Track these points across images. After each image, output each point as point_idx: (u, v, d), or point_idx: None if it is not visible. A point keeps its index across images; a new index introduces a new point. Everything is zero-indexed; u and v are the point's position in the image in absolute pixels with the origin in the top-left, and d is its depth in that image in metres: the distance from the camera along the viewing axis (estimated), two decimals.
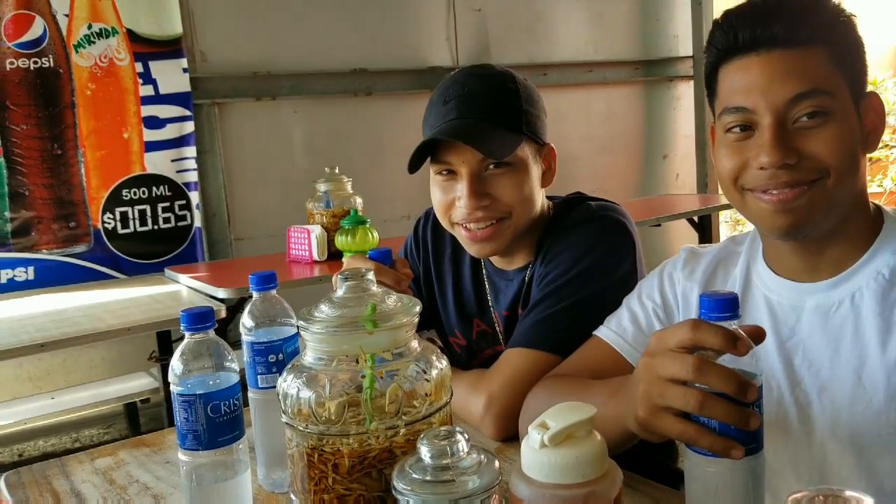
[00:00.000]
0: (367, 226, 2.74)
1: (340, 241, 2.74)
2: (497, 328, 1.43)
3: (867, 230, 0.99)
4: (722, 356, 0.73)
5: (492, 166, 1.26)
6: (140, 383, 3.02)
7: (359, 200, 2.97)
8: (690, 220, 3.93)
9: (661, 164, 4.99)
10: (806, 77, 0.91)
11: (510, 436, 1.18)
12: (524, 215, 1.31)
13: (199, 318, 0.85)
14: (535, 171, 1.32)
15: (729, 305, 0.73)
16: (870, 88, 1.01)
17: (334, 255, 2.83)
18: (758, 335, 0.76)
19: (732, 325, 0.73)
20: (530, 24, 4.44)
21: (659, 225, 4.21)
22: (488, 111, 1.27)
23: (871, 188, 6.06)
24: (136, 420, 3.12)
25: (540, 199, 1.35)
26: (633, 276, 1.29)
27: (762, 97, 0.93)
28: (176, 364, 0.86)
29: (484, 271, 1.45)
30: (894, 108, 6.15)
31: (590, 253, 1.27)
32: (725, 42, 0.96)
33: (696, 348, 0.74)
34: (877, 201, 1.04)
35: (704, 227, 3.90)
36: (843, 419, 0.96)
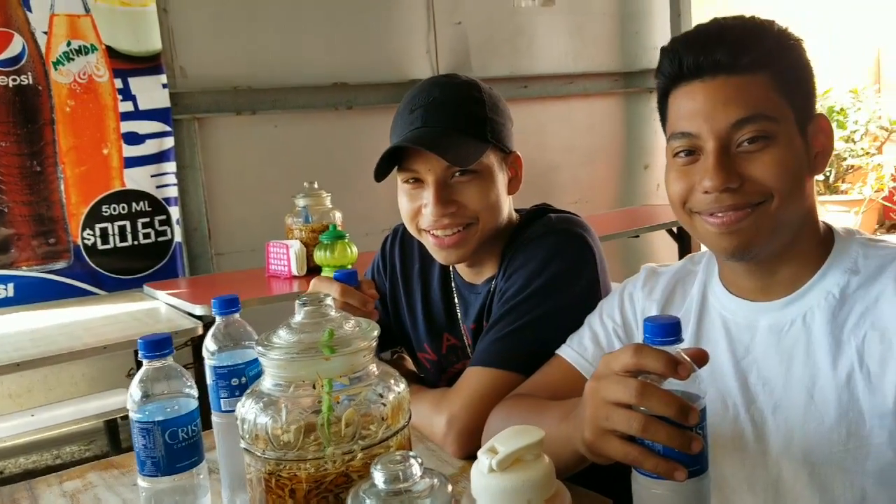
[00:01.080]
0: (346, 241, 2.75)
1: (319, 256, 2.75)
2: (466, 341, 1.44)
3: (818, 250, 1.01)
4: (666, 379, 0.75)
5: (457, 174, 1.28)
6: (120, 399, 3.01)
7: (338, 215, 2.98)
8: (670, 231, 3.96)
9: (642, 175, 5.03)
10: (748, 102, 0.94)
11: (472, 454, 1.18)
12: (491, 221, 1.32)
13: (156, 345, 0.86)
14: (501, 178, 1.34)
15: (671, 330, 0.75)
16: (819, 109, 1.03)
17: (313, 270, 2.83)
18: (700, 358, 0.77)
19: (676, 349, 0.75)
20: (511, 36, 4.47)
21: (637, 236, 4.24)
22: (453, 119, 1.29)
23: (851, 195, 6.12)
24: (116, 436, 3.10)
25: (507, 207, 1.37)
26: (595, 289, 1.30)
27: (706, 122, 0.95)
28: (134, 391, 0.87)
29: (453, 284, 1.46)
30: (875, 116, 6.24)
31: (547, 268, 1.28)
32: (672, 69, 0.99)
33: (641, 372, 0.75)
34: (826, 220, 1.06)
35: (683, 238, 3.92)
36: (797, 437, 0.98)
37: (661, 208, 4.46)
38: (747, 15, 1.00)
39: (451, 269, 1.46)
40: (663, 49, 1.01)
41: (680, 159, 0.99)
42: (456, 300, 1.45)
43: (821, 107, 5.81)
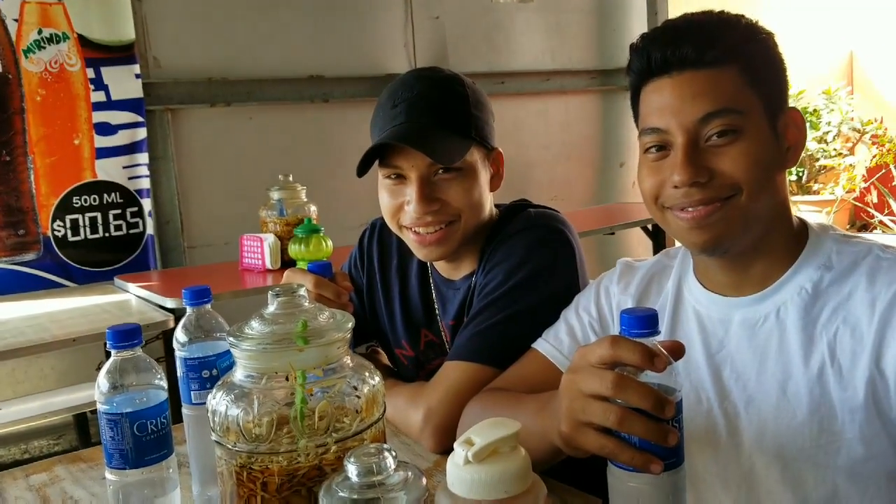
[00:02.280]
0: (321, 234, 2.74)
1: (294, 249, 2.73)
2: (444, 338, 1.43)
3: (791, 245, 1.02)
4: (643, 372, 0.75)
5: (441, 171, 1.27)
6: (89, 393, 2.96)
7: (313, 209, 2.95)
8: (644, 228, 3.98)
9: (617, 172, 5.05)
10: (716, 96, 0.94)
11: (449, 448, 1.18)
12: (473, 219, 1.31)
13: (125, 335, 0.85)
14: (484, 175, 1.33)
15: (648, 322, 0.74)
16: (793, 103, 1.03)
17: (288, 264, 2.81)
18: (677, 350, 0.77)
19: (652, 341, 0.74)
20: (488, 32, 4.47)
21: (613, 233, 4.25)
22: (438, 115, 1.27)
23: (823, 195, 6.20)
24: (86, 430, 3.06)
25: (488, 204, 1.36)
26: (574, 284, 1.30)
27: (674, 118, 0.95)
28: (102, 382, 0.85)
29: (431, 281, 1.45)
30: (847, 117, 6.32)
31: (526, 263, 1.27)
32: (641, 65, 0.99)
33: (617, 364, 0.75)
34: (801, 216, 1.06)
35: (658, 235, 3.95)
36: (769, 432, 0.98)
37: (636, 206, 4.49)
38: (717, 10, 1.00)
39: (428, 264, 1.44)
40: (632, 46, 1.01)
41: (651, 155, 0.99)
42: (434, 296, 1.44)
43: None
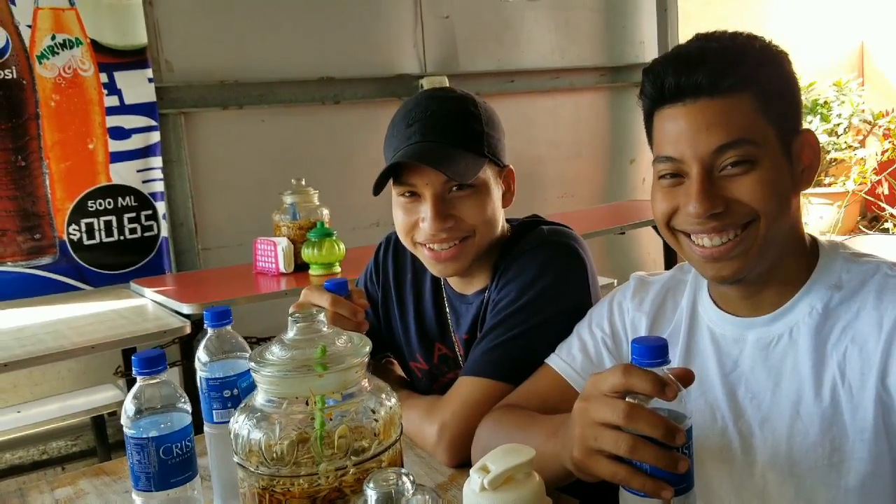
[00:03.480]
0: (334, 238, 2.76)
1: (307, 253, 2.76)
2: (458, 351, 1.45)
3: (803, 265, 1.03)
4: (653, 399, 0.77)
5: (455, 188, 1.29)
6: (107, 395, 3.01)
7: (325, 212, 2.98)
8: (655, 227, 3.98)
9: (628, 169, 5.05)
10: (730, 127, 0.94)
11: (463, 462, 1.20)
12: (487, 235, 1.33)
13: (150, 362, 0.87)
14: (497, 191, 1.35)
15: (658, 352, 0.76)
16: (804, 95, 1.03)
17: (301, 268, 2.84)
18: (687, 378, 0.79)
19: (663, 370, 0.76)
20: (498, 31, 4.47)
21: (623, 233, 4.26)
22: (451, 134, 1.29)
23: (835, 188, 6.18)
24: (103, 432, 3.10)
25: (501, 220, 1.38)
26: (586, 301, 1.32)
27: (688, 147, 0.96)
28: (128, 406, 0.88)
29: (444, 295, 1.47)
30: (858, 109, 6.28)
31: (539, 280, 1.29)
32: (654, 91, 0.99)
33: (628, 392, 0.77)
34: (812, 233, 1.08)
35: None
36: (783, 450, 0.99)
37: (646, 204, 4.45)
38: (729, 31, 1.00)
39: (442, 279, 1.47)
40: (645, 70, 1.01)
41: (665, 181, 1.00)
42: (447, 310, 1.46)
43: (805, 100, 5.83)
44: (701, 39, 0.99)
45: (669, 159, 0.98)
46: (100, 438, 3.08)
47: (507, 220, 1.45)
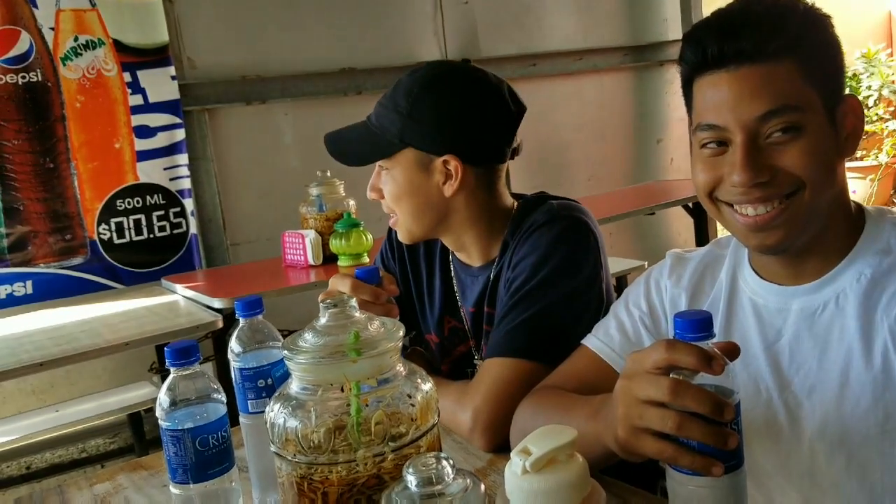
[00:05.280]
0: (361, 228, 2.75)
1: (335, 244, 2.75)
2: (466, 324, 1.46)
3: (849, 232, 1.00)
4: (698, 375, 0.74)
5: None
6: (142, 392, 3.03)
7: (352, 203, 2.97)
8: (685, 207, 3.92)
9: (655, 149, 4.99)
10: (775, 93, 0.91)
11: (500, 446, 1.19)
12: None
13: (183, 353, 0.86)
14: None
15: (703, 325, 0.73)
16: (847, 90, 1.00)
17: (329, 259, 2.84)
18: (732, 351, 0.76)
19: (707, 344, 0.74)
20: (518, 14, 4.42)
21: (653, 213, 4.20)
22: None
23: (867, 162, 6.06)
24: (140, 429, 3.13)
25: None
26: (598, 274, 1.32)
27: (732, 115, 0.93)
28: (162, 399, 0.87)
29: (452, 268, 1.47)
30: (888, 80, 6.15)
31: (554, 255, 1.28)
32: (695, 58, 0.96)
33: (672, 368, 0.74)
34: (858, 201, 1.04)
35: (700, 213, 3.89)
36: (832, 420, 0.96)
37: (675, 183, 4.43)
38: None
39: (449, 252, 1.48)
40: (685, 36, 0.98)
41: (707, 150, 0.97)
42: (455, 283, 1.47)
43: None
44: (743, 3, 0.96)
45: (712, 127, 0.95)
46: (137, 435, 3.12)
47: (515, 196, 1.43)
